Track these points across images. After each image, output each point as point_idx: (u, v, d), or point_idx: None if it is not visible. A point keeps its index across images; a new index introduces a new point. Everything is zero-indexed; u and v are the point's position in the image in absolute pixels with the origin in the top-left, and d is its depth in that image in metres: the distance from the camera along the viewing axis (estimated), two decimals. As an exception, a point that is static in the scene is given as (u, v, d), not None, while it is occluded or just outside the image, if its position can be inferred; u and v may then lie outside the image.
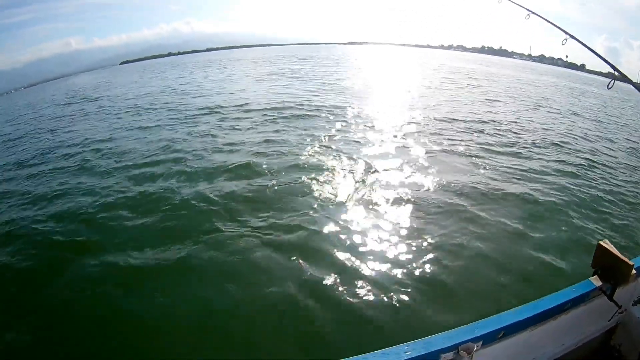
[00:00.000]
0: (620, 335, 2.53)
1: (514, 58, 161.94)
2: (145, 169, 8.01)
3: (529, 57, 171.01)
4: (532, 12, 4.52)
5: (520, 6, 4.64)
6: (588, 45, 3.80)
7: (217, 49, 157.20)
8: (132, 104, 17.99)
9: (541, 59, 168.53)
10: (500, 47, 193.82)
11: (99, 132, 12.23)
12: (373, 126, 11.54)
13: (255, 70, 35.45)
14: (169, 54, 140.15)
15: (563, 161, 9.30)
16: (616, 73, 2.93)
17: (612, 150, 11.39)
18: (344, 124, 11.68)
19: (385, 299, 4.10)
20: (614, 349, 2.55)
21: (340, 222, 5.62)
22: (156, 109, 15.76)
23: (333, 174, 7.37)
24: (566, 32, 3.75)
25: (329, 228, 5.47)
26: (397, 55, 71.60)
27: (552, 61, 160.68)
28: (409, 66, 41.76)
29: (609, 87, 2.91)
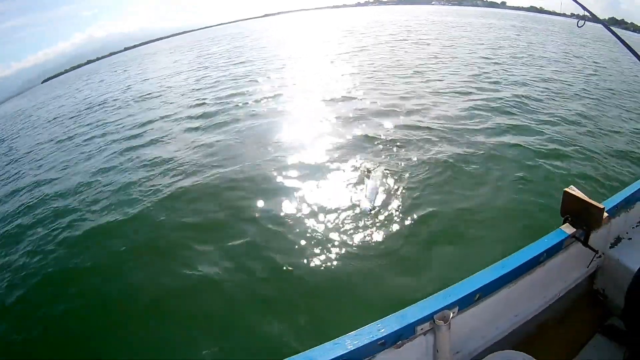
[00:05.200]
0: (601, 279, 2.61)
1: (433, 4, 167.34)
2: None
3: (448, 2, 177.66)
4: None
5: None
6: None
7: (134, 46, 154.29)
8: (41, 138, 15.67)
9: (460, 2, 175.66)
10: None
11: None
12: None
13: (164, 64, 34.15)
14: (88, 62, 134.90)
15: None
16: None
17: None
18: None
19: (351, 276, 4.26)
20: (598, 293, 2.63)
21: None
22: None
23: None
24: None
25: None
26: (317, 21, 71.11)
27: (472, 2, 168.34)
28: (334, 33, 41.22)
29: (580, 26, 2.81)
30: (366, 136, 7.91)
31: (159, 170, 7.57)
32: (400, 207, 5.31)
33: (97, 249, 5.41)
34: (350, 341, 1.61)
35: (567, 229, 2.17)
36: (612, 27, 2.59)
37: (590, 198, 2.10)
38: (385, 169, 6.31)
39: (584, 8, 2.65)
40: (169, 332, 3.89)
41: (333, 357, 1.54)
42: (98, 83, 31.18)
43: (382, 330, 1.65)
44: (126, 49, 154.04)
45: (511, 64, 15.96)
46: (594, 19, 2.40)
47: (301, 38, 36.73)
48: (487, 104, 9.83)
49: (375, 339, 1.61)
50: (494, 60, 16.93)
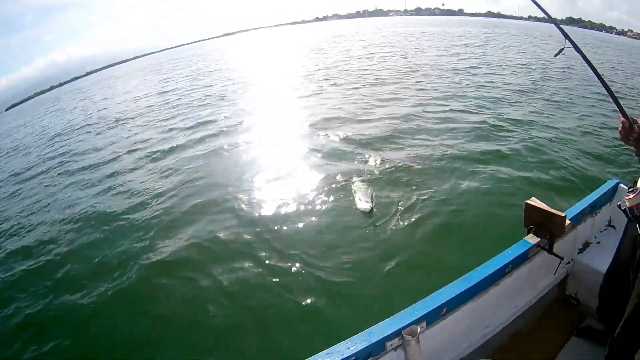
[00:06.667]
0: (572, 284, 2.71)
1: (390, 16, 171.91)
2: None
3: (406, 12, 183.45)
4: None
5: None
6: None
7: (96, 70, 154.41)
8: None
9: (418, 11, 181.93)
10: (376, 8, 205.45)
11: None
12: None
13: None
14: (51, 88, 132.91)
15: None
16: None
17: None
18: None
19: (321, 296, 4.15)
20: (571, 297, 2.73)
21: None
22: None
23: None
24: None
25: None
26: (279, 39, 71.14)
27: (430, 12, 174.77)
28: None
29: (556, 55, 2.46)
30: (344, 148, 8.04)
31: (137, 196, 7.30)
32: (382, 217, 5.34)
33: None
34: None
35: (531, 239, 2.24)
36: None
37: (552, 208, 2.18)
38: (362, 178, 6.44)
39: (543, 10, 2.48)
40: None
41: None
42: (59, 111, 30.15)
43: (352, 347, 1.67)
44: (88, 73, 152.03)
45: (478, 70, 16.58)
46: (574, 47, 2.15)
47: (261, 59, 36.77)
48: (463, 108, 10.20)
49: (345, 356, 1.63)
50: (464, 67, 17.50)
